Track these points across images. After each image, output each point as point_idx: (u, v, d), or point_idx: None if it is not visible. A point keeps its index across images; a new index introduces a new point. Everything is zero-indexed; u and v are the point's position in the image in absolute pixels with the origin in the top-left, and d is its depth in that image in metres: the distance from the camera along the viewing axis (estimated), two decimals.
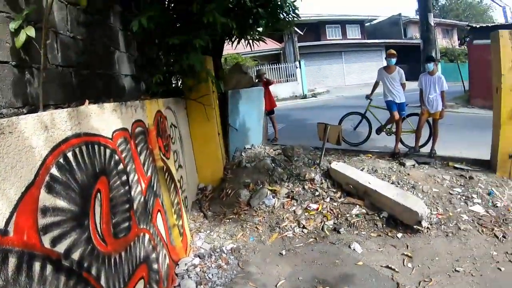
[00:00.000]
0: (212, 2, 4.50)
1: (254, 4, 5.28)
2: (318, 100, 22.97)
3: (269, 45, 27.90)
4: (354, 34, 35.99)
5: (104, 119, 2.71)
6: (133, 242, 2.95)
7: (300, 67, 25.41)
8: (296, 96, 25.28)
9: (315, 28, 33.32)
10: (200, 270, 4.18)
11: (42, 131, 1.89)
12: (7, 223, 1.55)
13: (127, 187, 2.96)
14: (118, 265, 2.57)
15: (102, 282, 2.29)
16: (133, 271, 2.83)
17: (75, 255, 2.03)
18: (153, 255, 3.39)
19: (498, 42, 5.93)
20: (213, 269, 4.21)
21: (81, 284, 2.05)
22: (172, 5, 4.53)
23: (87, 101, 2.71)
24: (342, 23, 35.27)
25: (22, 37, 2.29)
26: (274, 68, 25.49)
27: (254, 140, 7.76)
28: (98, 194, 2.43)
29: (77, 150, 2.22)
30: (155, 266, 3.38)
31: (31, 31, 2.33)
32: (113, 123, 2.88)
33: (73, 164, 2.15)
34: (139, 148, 3.45)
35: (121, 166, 2.89)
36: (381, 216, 5.14)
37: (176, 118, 5.43)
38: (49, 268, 1.78)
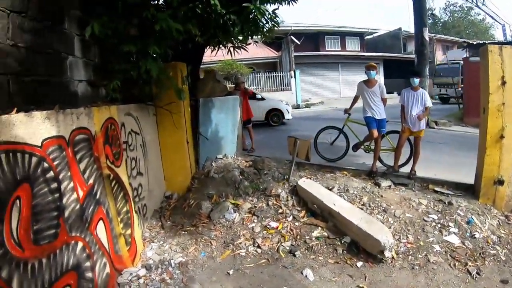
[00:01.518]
0: (169, 8, 4.73)
1: (226, 10, 5.45)
2: (311, 111, 23.42)
3: (266, 53, 28.56)
4: (353, 46, 36.82)
5: (32, 127, 2.94)
6: (60, 249, 3.17)
7: (294, 77, 25.84)
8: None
9: (314, 38, 34.10)
10: (143, 282, 4.39)
11: None
12: None
13: (57, 195, 3.19)
14: (37, 271, 2.79)
15: (14, 285, 2.50)
16: (57, 278, 3.05)
17: None
18: (87, 263, 3.61)
19: (487, 58, 5.92)
20: (156, 282, 4.42)
21: None
22: (127, 11, 4.72)
23: (15, 110, 2.95)
24: (342, 35, 36.11)
25: None
26: (269, 76, 25.94)
27: (228, 150, 8.00)
28: (18, 201, 2.65)
29: None
30: (88, 274, 3.59)
31: None
32: (45, 131, 3.11)
33: None
34: (79, 156, 3.68)
35: (50, 174, 3.12)
36: (342, 241, 5.20)
37: (139, 125, 5.67)
38: None
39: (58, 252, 3.13)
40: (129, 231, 4.77)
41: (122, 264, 4.46)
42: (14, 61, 3.49)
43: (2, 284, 2.40)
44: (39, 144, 3.03)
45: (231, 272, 4.74)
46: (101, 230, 4.02)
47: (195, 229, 5.73)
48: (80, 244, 3.51)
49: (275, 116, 16.14)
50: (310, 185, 6.38)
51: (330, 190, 6.42)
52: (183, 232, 5.67)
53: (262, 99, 16.08)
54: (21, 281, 2.59)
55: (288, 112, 16.31)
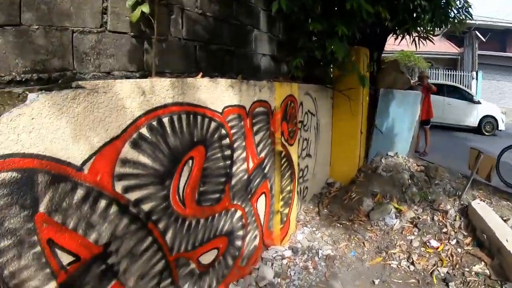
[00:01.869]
0: None
1: None
2: None
3: (447, 48, 24.80)
4: None
5: (216, 93, 2.94)
6: (219, 214, 3.19)
7: (476, 79, 22.39)
8: None
9: (501, 36, 27.30)
10: (286, 264, 4.24)
11: (139, 95, 2.19)
12: (84, 163, 1.90)
13: (228, 162, 3.19)
14: (191, 229, 2.83)
15: (168, 237, 2.57)
16: (209, 239, 3.07)
17: (145, 207, 2.32)
18: (240, 232, 3.60)
19: None
20: (298, 268, 4.22)
21: (143, 232, 2.35)
22: None
23: (200, 74, 2.97)
24: None
25: (137, 13, 2.64)
26: (449, 74, 22.82)
27: (400, 149, 7.36)
28: (190, 160, 2.69)
29: (175, 117, 2.49)
30: (238, 242, 3.58)
31: (145, 8, 2.64)
32: (227, 98, 3.10)
33: (168, 128, 2.43)
34: (255, 128, 3.63)
35: (226, 141, 3.12)
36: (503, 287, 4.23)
37: (316, 106, 5.49)
38: (114, 208, 2.09)
39: (216, 216, 3.15)
40: (286, 210, 4.68)
41: (271, 240, 4.40)
42: (202, 29, 3.56)
43: (157, 234, 2.46)
44: (220, 111, 3.03)
45: (376, 282, 4.25)
46: (261, 203, 3.98)
47: (351, 224, 5.35)
48: (238, 213, 3.51)
49: (488, 124, 14.05)
50: (484, 209, 5.34)
51: (505, 221, 5.34)
52: (338, 225, 5.35)
53: (478, 102, 14.14)
54: (175, 235, 2.63)
55: (503, 121, 14.03)
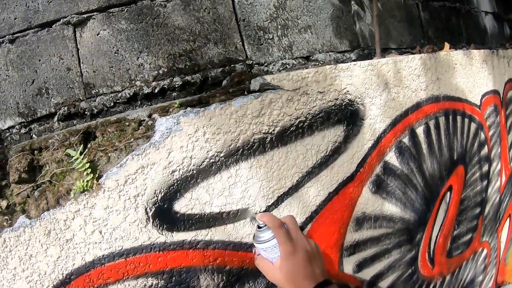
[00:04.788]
0: None
1: None
2: None
3: None
4: None
5: (471, 74, 1.59)
6: (466, 262, 1.91)
7: None
8: None
9: None
10: None
11: (379, 90, 1.04)
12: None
13: (485, 182, 1.85)
14: None
15: None
16: None
17: (383, 283, 1.22)
18: (480, 278, 2.25)
19: None
20: None
21: None
22: None
23: (447, 45, 1.64)
24: None
25: None
26: None
27: None
28: (448, 193, 1.47)
29: (431, 124, 1.28)
30: None
31: None
32: (483, 81, 1.72)
33: (423, 145, 1.24)
34: (509, 123, 2.20)
35: (485, 150, 1.78)
36: None
37: None
38: None
39: (463, 266, 1.88)
40: None
41: (502, 276, 2.88)
42: None
43: None
44: (478, 103, 1.69)
45: None
46: (505, 230, 2.54)
47: None
48: (484, 253, 2.17)
49: None
50: None
51: None
52: None
53: None
54: None
55: None
